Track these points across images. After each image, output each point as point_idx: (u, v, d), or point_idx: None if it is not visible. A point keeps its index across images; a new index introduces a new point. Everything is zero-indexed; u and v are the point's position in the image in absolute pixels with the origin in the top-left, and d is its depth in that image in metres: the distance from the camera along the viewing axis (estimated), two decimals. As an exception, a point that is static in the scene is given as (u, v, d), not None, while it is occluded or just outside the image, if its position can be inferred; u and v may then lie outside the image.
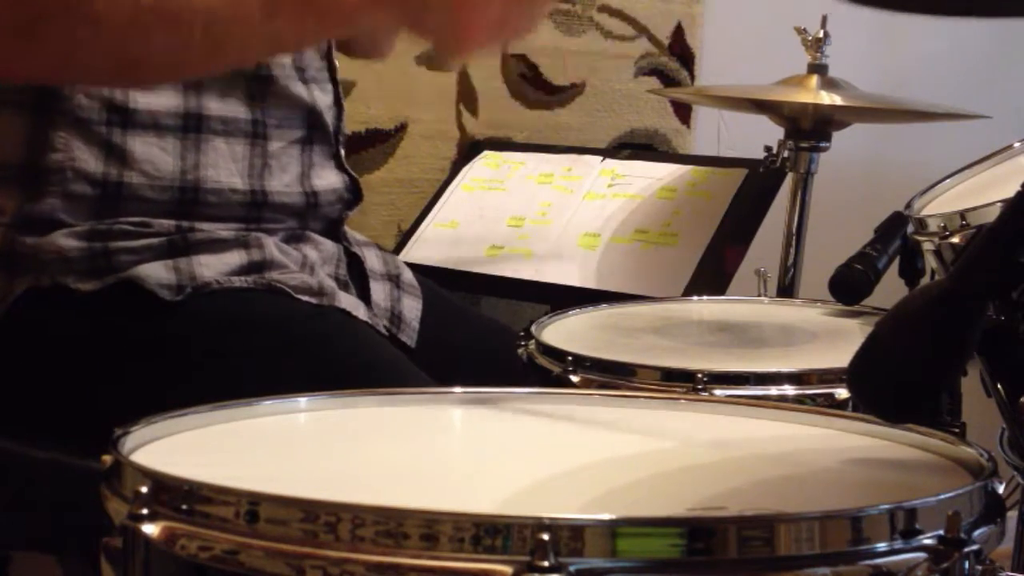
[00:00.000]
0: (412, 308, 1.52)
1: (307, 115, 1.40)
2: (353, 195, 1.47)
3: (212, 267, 1.30)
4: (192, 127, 1.33)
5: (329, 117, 1.43)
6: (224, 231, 1.33)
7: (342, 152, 1.46)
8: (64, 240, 1.29)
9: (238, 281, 1.31)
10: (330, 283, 1.37)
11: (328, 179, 1.43)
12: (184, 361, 1.27)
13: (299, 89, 1.38)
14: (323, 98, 1.43)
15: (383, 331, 1.44)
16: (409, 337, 1.49)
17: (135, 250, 1.29)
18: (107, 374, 1.27)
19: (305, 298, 1.33)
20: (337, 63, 1.46)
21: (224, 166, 1.34)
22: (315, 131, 1.41)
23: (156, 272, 1.28)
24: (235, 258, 1.32)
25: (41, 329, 1.30)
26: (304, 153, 1.40)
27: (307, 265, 1.37)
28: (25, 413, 1.30)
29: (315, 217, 1.42)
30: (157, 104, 1.31)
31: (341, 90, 1.47)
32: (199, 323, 1.28)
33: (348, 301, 1.38)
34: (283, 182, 1.38)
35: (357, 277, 1.46)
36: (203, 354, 1.27)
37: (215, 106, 1.34)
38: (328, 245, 1.43)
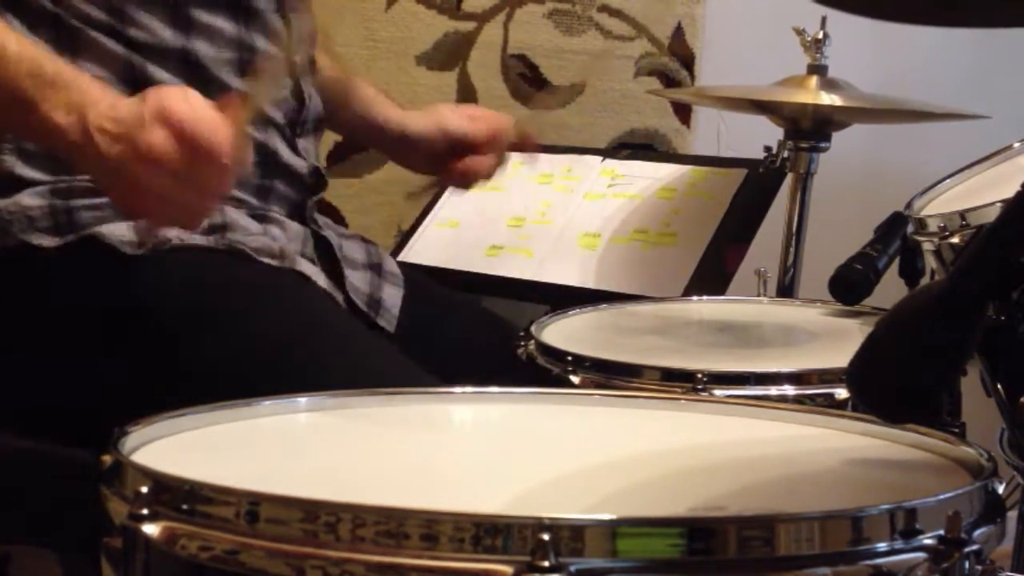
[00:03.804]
0: (392, 296, 1.52)
1: None
2: (316, 181, 1.47)
3: (171, 231, 1.31)
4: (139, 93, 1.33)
5: (282, 109, 1.42)
6: None
7: (299, 143, 1.45)
8: (27, 199, 1.30)
9: (199, 239, 1.32)
10: (292, 250, 1.38)
11: (287, 160, 1.43)
12: (142, 322, 1.27)
13: (233, 80, 1.37)
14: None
15: (342, 304, 1.44)
16: (388, 322, 1.49)
17: (96, 207, 1.29)
18: (71, 335, 1.28)
19: (265, 260, 1.34)
20: (299, 58, 1.45)
21: None
22: (264, 119, 1.40)
23: (118, 229, 1.29)
24: None
25: (7, 289, 1.30)
26: (258, 129, 1.39)
27: (268, 236, 1.38)
28: (10, 408, 1.30)
29: (276, 196, 1.42)
30: (102, 72, 1.31)
31: (307, 85, 1.47)
32: (158, 283, 1.29)
33: (308, 268, 1.39)
34: None
35: (328, 261, 1.46)
36: (161, 315, 1.27)
37: (158, 76, 1.33)
38: (294, 226, 1.43)
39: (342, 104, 1.63)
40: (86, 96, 1.17)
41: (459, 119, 1.67)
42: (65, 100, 1.16)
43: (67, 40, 1.32)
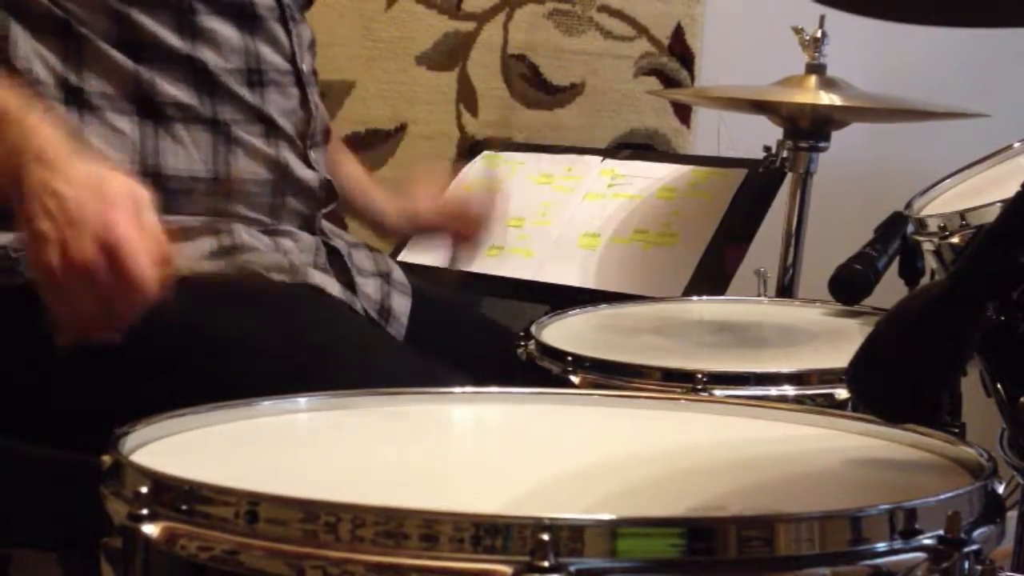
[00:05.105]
0: (402, 304, 1.52)
1: (256, 115, 1.38)
2: (327, 194, 1.47)
3: (182, 254, 1.30)
4: (147, 112, 1.32)
5: (290, 121, 1.41)
6: (192, 222, 1.33)
7: (311, 155, 1.44)
8: None
9: (209, 266, 1.31)
10: (303, 262, 1.38)
11: (300, 174, 1.42)
12: (157, 351, 1.26)
13: (243, 91, 1.37)
14: (282, 102, 1.41)
15: (360, 311, 1.44)
16: (397, 331, 1.49)
17: None
18: (82, 369, 1.27)
19: (277, 276, 1.33)
20: (305, 68, 1.45)
21: (185, 153, 1.33)
22: (274, 130, 1.40)
23: None
24: (205, 245, 1.32)
25: (18, 328, 1.29)
26: (271, 144, 1.39)
27: (280, 250, 1.38)
28: (9, 411, 1.30)
29: (288, 211, 1.42)
30: (108, 86, 1.31)
31: (314, 95, 1.46)
32: (168, 314, 1.28)
33: (320, 278, 1.38)
34: (250, 169, 1.37)
35: (340, 269, 1.46)
36: (177, 342, 1.26)
37: (167, 90, 1.32)
38: (305, 237, 1.43)
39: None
40: (38, 144, 1.12)
41: (430, 217, 1.70)
42: (10, 142, 1.12)
43: (74, 53, 1.31)
